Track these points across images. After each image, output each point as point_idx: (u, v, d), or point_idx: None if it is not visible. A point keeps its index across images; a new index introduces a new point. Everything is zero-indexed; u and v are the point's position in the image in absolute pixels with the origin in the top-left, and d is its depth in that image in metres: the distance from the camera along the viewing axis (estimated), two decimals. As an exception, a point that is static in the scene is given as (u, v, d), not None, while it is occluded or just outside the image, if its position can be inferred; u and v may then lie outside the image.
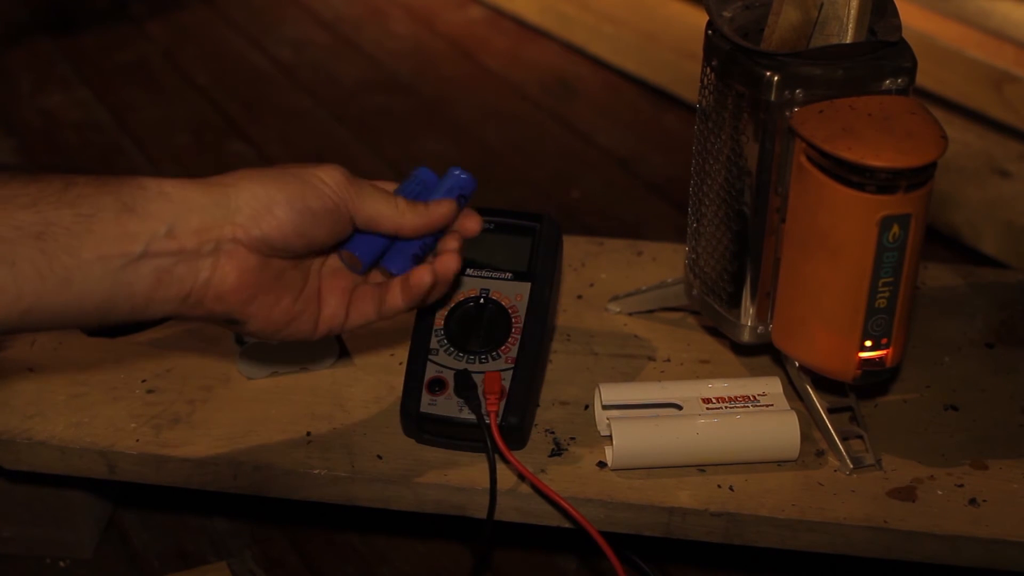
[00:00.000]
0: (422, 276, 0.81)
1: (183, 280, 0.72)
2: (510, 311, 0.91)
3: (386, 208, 0.79)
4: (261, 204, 0.74)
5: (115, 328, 1.01)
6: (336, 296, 0.81)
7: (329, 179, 0.76)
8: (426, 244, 0.82)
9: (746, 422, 0.89)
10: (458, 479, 0.88)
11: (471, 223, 0.84)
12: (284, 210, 0.74)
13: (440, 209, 0.81)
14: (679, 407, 0.91)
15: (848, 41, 0.84)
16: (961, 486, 0.88)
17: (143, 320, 0.74)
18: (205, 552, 1.04)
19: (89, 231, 0.69)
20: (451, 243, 0.83)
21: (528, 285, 0.92)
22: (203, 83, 1.91)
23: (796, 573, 1.01)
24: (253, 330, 0.78)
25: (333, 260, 0.82)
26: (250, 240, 0.74)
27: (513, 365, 0.89)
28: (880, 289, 0.82)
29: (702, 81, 0.89)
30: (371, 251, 0.81)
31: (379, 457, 0.90)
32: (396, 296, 0.82)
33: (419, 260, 0.82)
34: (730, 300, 0.91)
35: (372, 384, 0.97)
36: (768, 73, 0.82)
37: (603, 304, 1.06)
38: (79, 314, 0.70)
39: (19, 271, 0.67)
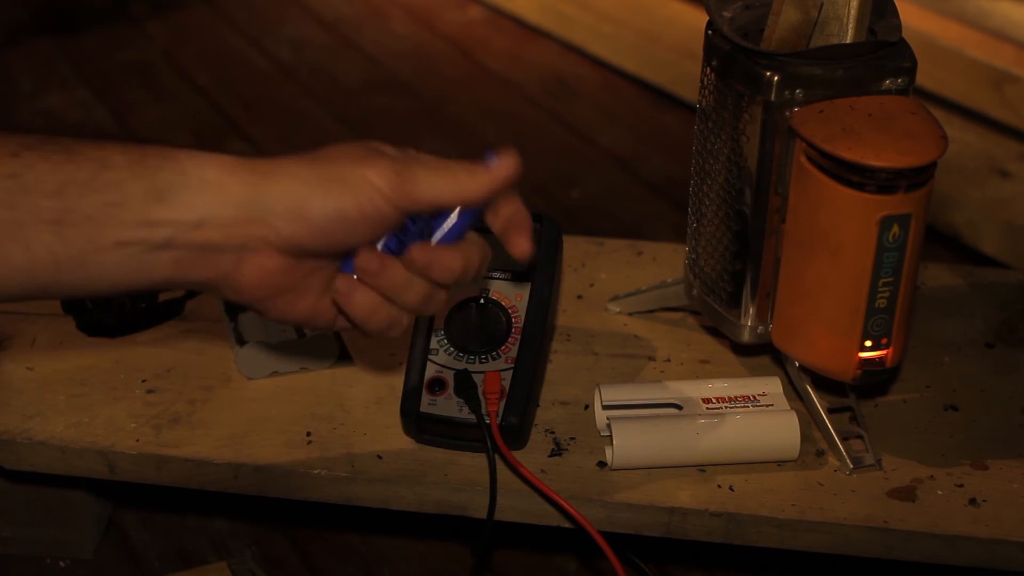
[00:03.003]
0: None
1: (202, 270, 0.69)
2: (510, 311, 0.91)
3: (445, 185, 0.72)
4: (295, 204, 0.69)
5: (114, 328, 1.01)
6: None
7: (377, 179, 0.70)
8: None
9: (746, 422, 0.89)
10: (458, 479, 0.88)
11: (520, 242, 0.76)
12: (318, 214, 0.69)
13: (503, 164, 0.73)
14: (679, 407, 0.91)
15: (848, 41, 0.84)
16: (961, 486, 0.88)
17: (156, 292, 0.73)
18: (205, 552, 1.04)
19: (112, 218, 0.66)
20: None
21: (528, 285, 0.92)
22: (203, 83, 1.91)
23: (796, 573, 1.01)
24: (269, 317, 0.74)
25: None
26: (280, 241, 0.70)
27: (513, 365, 0.89)
28: (880, 289, 0.82)
29: (702, 81, 0.89)
30: None
31: (379, 457, 0.90)
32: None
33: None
34: (730, 300, 0.91)
35: (372, 384, 0.97)
36: (768, 73, 0.82)
37: (603, 304, 1.06)
38: (91, 292, 0.69)
39: (33, 254, 0.66)
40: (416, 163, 0.72)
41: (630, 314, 1.05)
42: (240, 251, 0.69)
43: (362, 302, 0.73)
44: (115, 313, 1.01)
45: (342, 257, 0.73)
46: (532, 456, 0.90)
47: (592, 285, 1.09)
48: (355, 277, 0.73)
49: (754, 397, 0.91)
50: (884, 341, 0.85)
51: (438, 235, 0.74)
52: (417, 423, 0.89)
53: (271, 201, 0.69)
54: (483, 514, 0.87)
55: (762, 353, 0.99)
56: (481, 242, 0.75)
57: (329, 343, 0.98)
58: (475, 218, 0.74)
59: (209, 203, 0.68)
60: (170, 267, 0.69)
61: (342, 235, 0.70)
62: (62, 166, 0.66)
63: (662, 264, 1.11)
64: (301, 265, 0.72)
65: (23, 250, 0.65)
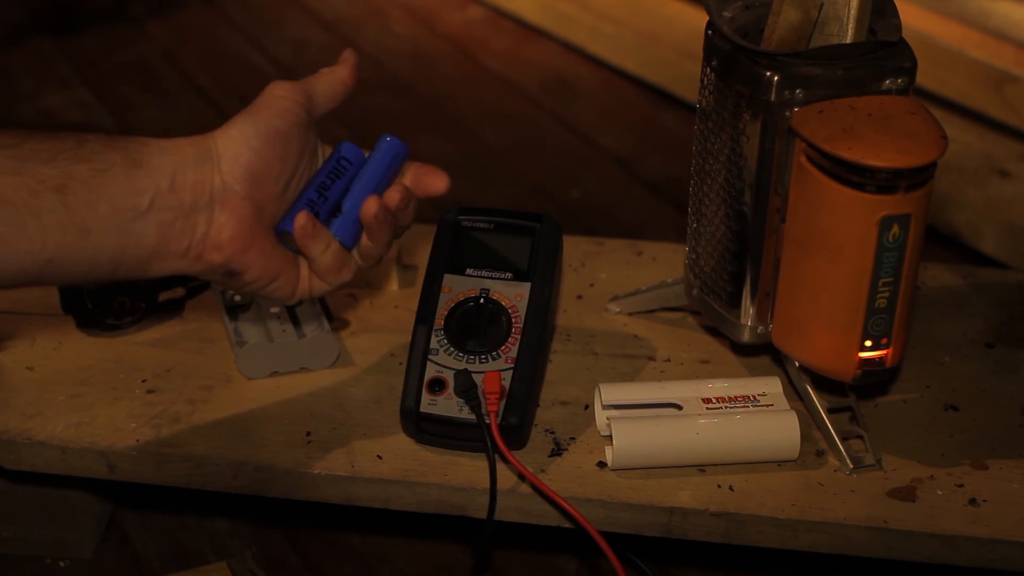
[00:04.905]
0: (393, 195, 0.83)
1: (183, 234, 0.77)
2: (510, 311, 0.91)
3: (323, 77, 0.85)
4: (236, 143, 0.79)
5: (113, 324, 1.01)
6: (305, 264, 0.84)
7: (279, 91, 0.82)
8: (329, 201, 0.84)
9: (746, 422, 0.89)
10: (458, 479, 0.88)
11: (436, 181, 0.86)
12: (256, 140, 0.79)
13: (348, 54, 0.87)
14: (679, 407, 0.91)
15: (848, 41, 0.84)
16: (961, 486, 0.88)
17: (148, 277, 0.78)
18: (205, 552, 1.04)
19: (104, 185, 0.74)
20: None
21: (528, 285, 0.92)
22: (203, 83, 1.91)
23: (796, 573, 1.01)
24: (249, 279, 0.81)
25: None
26: (237, 181, 0.78)
27: (513, 365, 0.89)
28: (880, 289, 0.82)
29: (702, 81, 0.89)
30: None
31: (379, 457, 0.90)
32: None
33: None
34: (730, 300, 0.91)
35: (372, 384, 0.97)
36: (768, 73, 0.82)
37: (603, 304, 1.06)
38: (93, 266, 0.75)
39: (43, 223, 0.72)
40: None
41: (630, 314, 1.05)
42: (210, 206, 0.78)
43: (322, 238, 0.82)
44: (115, 312, 1.01)
45: (288, 182, 0.82)
46: (532, 456, 0.90)
47: (592, 285, 1.09)
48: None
49: (754, 397, 0.91)
50: (884, 341, 0.85)
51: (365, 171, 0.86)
52: (417, 423, 0.89)
53: (218, 150, 0.78)
54: (483, 514, 0.87)
55: (762, 353, 0.99)
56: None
57: (329, 343, 0.98)
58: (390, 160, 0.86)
59: (173, 164, 0.77)
60: (156, 233, 0.76)
61: (284, 149, 0.80)
62: (49, 140, 0.74)
63: (662, 264, 1.11)
64: (266, 213, 0.80)
65: (34, 219, 0.71)
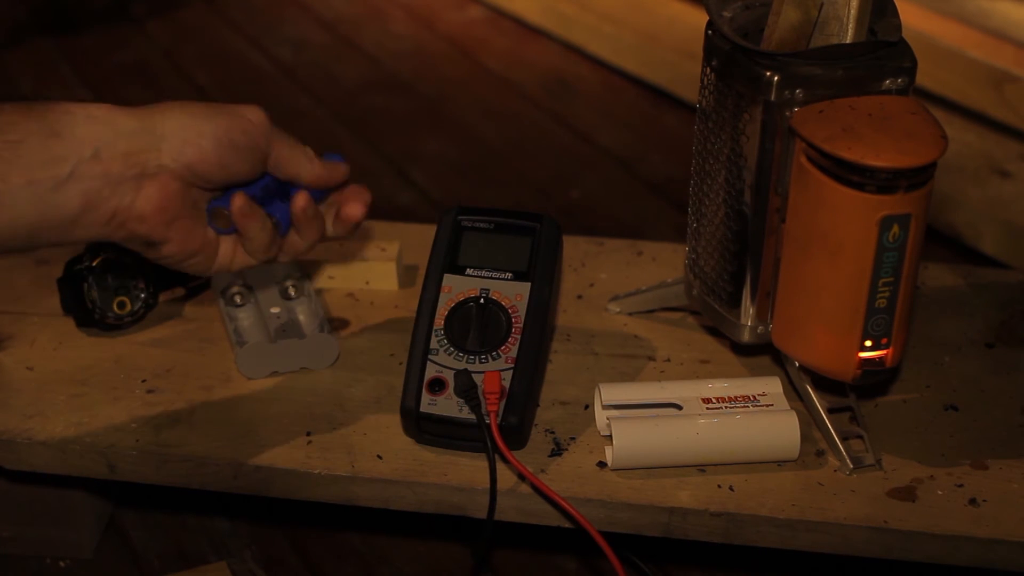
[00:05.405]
0: (354, 209, 0.86)
1: (108, 202, 0.76)
2: (510, 311, 0.91)
3: (300, 153, 0.84)
4: (188, 135, 0.78)
5: (113, 324, 1.01)
6: (228, 239, 0.84)
7: (253, 117, 0.81)
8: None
9: (746, 422, 0.89)
10: (458, 479, 0.88)
11: (354, 208, 0.87)
12: (209, 142, 0.78)
13: (340, 168, 0.86)
14: (679, 407, 0.91)
15: (848, 41, 0.84)
16: (961, 486, 0.88)
17: (69, 243, 0.78)
18: (205, 552, 1.04)
19: (17, 156, 0.72)
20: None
21: (528, 285, 0.92)
22: (203, 83, 1.91)
23: (796, 573, 1.01)
24: (167, 252, 0.81)
25: None
26: (175, 167, 0.78)
27: (513, 365, 0.89)
28: (880, 289, 0.82)
29: (702, 81, 0.89)
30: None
31: (379, 457, 0.90)
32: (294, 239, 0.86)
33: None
34: (730, 300, 0.91)
35: (372, 384, 0.97)
36: (768, 73, 0.82)
37: (603, 304, 1.06)
38: (10, 237, 0.74)
39: None
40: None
41: (630, 314, 1.05)
42: (139, 178, 0.77)
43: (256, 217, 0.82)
44: (115, 311, 1.01)
45: (219, 187, 0.82)
46: (532, 456, 0.90)
47: (592, 285, 1.09)
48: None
49: (754, 397, 0.91)
50: (884, 341, 0.85)
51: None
52: (417, 423, 0.89)
53: (163, 130, 0.77)
54: (483, 514, 0.87)
55: (762, 353, 0.99)
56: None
57: (329, 343, 0.98)
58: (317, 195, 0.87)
59: (101, 134, 0.75)
60: (79, 201, 0.74)
61: (230, 161, 0.79)
62: None
63: (662, 264, 1.11)
64: (191, 192, 0.80)
65: None
